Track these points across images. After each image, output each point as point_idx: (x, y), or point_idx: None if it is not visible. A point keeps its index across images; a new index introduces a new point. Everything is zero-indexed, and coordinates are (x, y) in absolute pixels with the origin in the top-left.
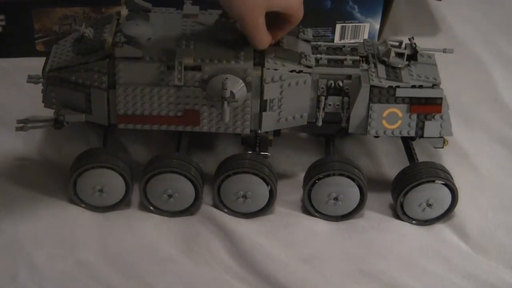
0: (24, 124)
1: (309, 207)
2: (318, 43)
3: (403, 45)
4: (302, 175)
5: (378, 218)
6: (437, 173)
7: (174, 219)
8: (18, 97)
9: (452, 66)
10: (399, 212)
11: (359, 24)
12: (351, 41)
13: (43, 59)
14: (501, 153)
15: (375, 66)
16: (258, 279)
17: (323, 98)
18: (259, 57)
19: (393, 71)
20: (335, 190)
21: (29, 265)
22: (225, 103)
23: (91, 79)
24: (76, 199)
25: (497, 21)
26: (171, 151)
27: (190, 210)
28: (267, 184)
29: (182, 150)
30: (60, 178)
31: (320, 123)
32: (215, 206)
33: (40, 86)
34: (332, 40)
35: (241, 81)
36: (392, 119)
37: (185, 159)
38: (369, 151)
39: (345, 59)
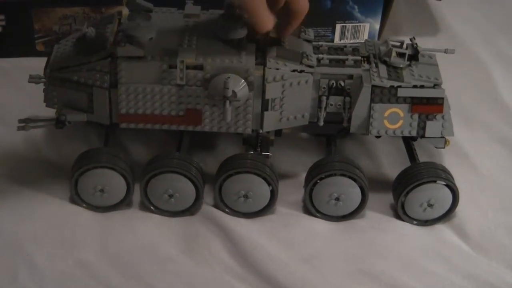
0: (26, 124)
1: (310, 207)
2: (320, 43)
3: (404, 45)
4: (303, 175)
5: (378, 218)
6: (438, 174)
7: (174, 219)
8: (18, 97)
9: (452, 66)
10: (400, 212)
11: (359, 24)
12: (351, 41)
13: (43, 59)
14: (501, 153)
15: (377, 66)
16: (258, 279)
17: (324, 98)
18: (261, 57)
19: (394, 71)
20: (337, 190)
21: (29, 265)
22: (227, 102)
23: (93, 78)
24: (77, 199)
25: (497, 21)
26: (172, 151)
27: (190, 210)
28: (269, 184)
29: (183, 150)
30: (60, 178)
31: (321, 123)
32: (216, 205)
33: (40, 86)
34: (332, 40)
35: (243, 80)
36: (394, 119)
37: (185, 159)
38: (370, 151)
39: (347, 59)
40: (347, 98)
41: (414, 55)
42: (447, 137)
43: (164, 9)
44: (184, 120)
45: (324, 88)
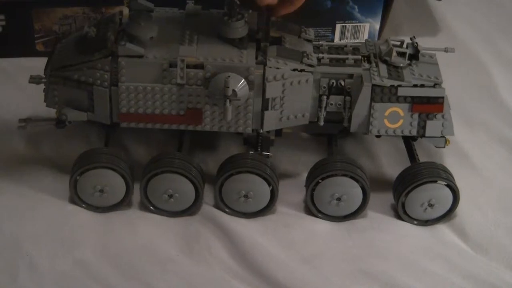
0: (26, 123)
1: (311, 208)
2: (320, 42)
3: (404, 45)
4: (303, 175)
5: (378, 218)
6: (439, 174)
7: (174, 219)
8: (18, 97)
9: (452, 66)
10: (400, 212)
11: (359, 24)
12: (352, 41)
13: (43, 59)
14: (501, 153)
15: (377, 65)
16: (258, 279)
17: (325, 97)
18: (262, 56)
19: (395, 70)
20: (338, 190)
21: (29, 265)
22: (228, 101)
23: (93, 77)
24: (76, 199)
25: (497, 21)
26: (172, 151)
27: (190, 210)
28: (269, 184)
29: (184, 150)
30: (60, 178)
31: (322, 123)
32: (216, 205)
33: (40, 87)
34: (332, 40)
35: (243, 79)
36: (394, 118)
37: (185, 159)
38: (370, 151)
39: (347, 58)
40: (348, 98)
41: (415, 54)
42: (447, 137)
43: (165, 9)
44: (185, 120)
45: (324, 87)
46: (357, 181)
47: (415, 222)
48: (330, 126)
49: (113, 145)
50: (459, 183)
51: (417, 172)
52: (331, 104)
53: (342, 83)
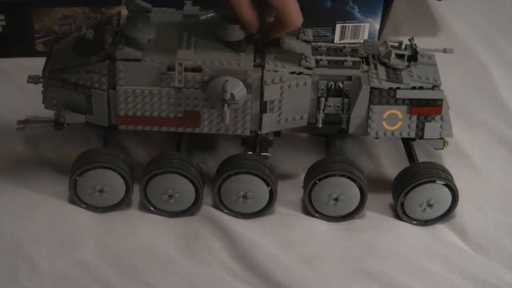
0: (24, 125)
1: (309, 208)
2: (318, 43)
3: (403, 46)
4: (302, 175)
5: (378, 218)
6: (437, 173)
7: (174, 219)
8: (18, 97)
9: (452, 66)
10: (399, 212)
11: (359, 24)
12: (351, 41)
13: (43, 59)
14: (501, 153)
15: (375, 68)
16: (258, 279)
17: (323, 99)
18: (260, 59)
19: (393, 72)
20: (336, 190)
21: (29, 265)
22: (226, 105)
23: (91, 80)
24: (76, 199)
25: (497, 21)
26: (171, 151)
27: (190, 210)
28: (268, 184)
29: (182, 151)
30: (59, 178)
31: (320, 125)
32: (215, 206)
33: (40, 87)
34: (332, 40)
35: (241, 83)
36: (392, 120)
37: (185, 159)
38: (369, 152)
39: (345, 60)
40: (346, 100)
41: (413, 56)
42: (445, 138)
43: (163, 9)
44: (183, 122)
45: (322, 89)
46: (354, 181)
47: (414, 222)
48: (328, 128)
49: (112, 146)
50: (459, 183)
51: (416, 172)
52: (330, 106)
53: (341, 85)
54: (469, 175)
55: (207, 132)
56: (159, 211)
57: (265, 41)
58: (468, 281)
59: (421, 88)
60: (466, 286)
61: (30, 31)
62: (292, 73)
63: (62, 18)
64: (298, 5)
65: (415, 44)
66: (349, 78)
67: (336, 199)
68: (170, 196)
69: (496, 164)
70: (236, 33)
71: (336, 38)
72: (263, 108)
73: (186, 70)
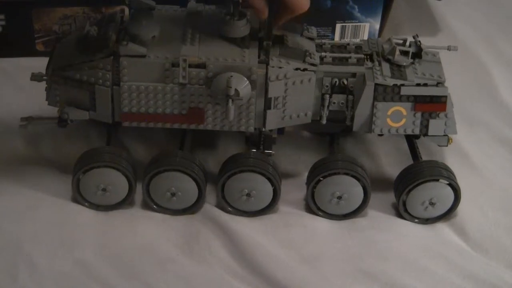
0: (28, 122)
1: (312, 206)
2: (323, 41)
3: (407, 43)
4: (305, 174)
5: (379, 217)
6: (440, 172)
7: (175, 218)
8: (18, 97)
9: (452, 65)
10: (401, 210)
11: (359, 24)
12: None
13: (43, 59)
14: (501, 153)
15: (380, 64)
16: (258, 279)
17: (327, 96)
18: (264, 55)
19: (397, 69)
20: (339, 189)
21: (29, 265)
22: (230, 101)
23: (95, 77)
24: (79, 198)
25: (497, 21)
26: (174, 149)
27: (193, 208)
28: (271, 183)
29: (185, 149)
30: (60, 177)
31: (324, 121)
32: (218, 204)
33: (41, 86)
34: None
35: (245, 79)
36: (397, 117)
37: (188, 157)
38: (371, 150)
39: (350, 57)
40: (350, 97)
41: (418, 53)
42: (450, 135)
43: (166, 6)
44: (187, 119)
45: (327, 86)
46: (358, 180)
47: (416, 220)
48: (332, 125)
49: (114, 144)
50: (459, 182)
51: (419, 171)
52: (334, 103)
53: (345, 82)
54: (469, 175)
55: (211, 129)
56: (161, 209)
57: (270, 35)
58: (468, 281)
59: (425, 85)
60: (466, 286)
61: (30, 31)
62: (296, 69)
63: (62, 18)
64: None
65: (419, 41)
66: (353, 75)
67: (340, 198)
68: (173, 194)
69: (496, 164)
70: (240, 30)
71: (336, 38)
72: (268, 105)
73: (190, 66)
